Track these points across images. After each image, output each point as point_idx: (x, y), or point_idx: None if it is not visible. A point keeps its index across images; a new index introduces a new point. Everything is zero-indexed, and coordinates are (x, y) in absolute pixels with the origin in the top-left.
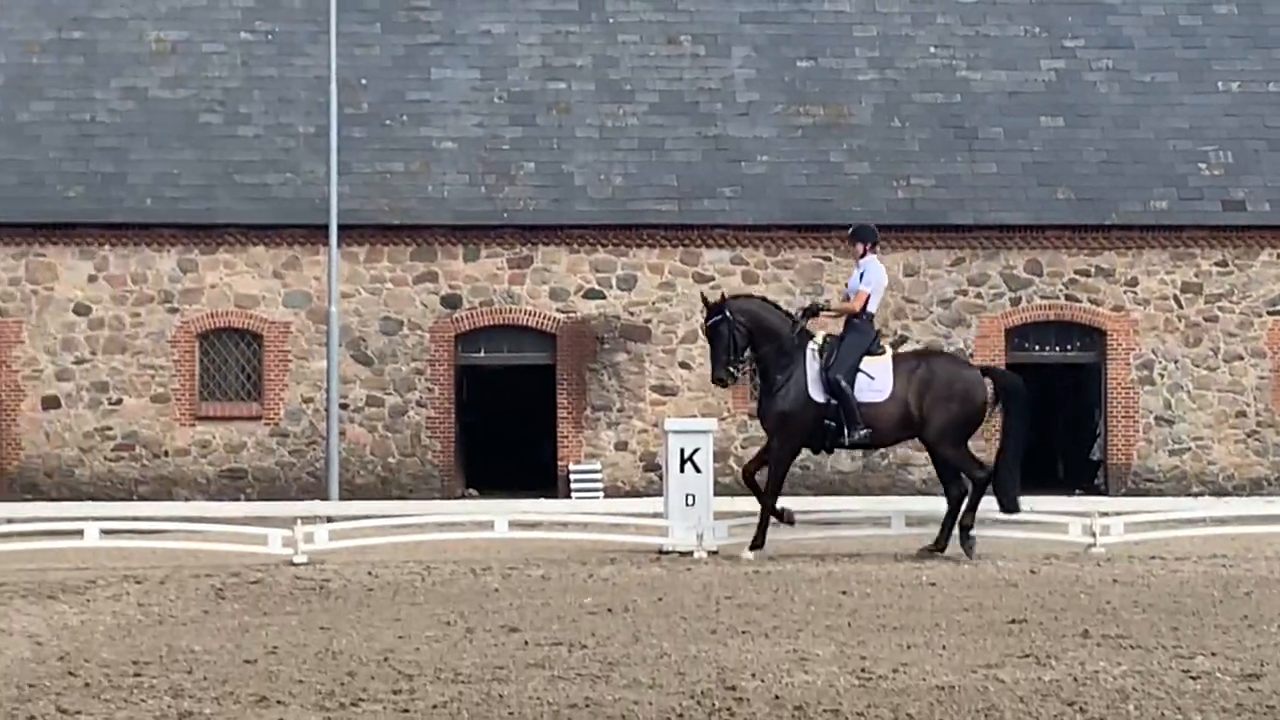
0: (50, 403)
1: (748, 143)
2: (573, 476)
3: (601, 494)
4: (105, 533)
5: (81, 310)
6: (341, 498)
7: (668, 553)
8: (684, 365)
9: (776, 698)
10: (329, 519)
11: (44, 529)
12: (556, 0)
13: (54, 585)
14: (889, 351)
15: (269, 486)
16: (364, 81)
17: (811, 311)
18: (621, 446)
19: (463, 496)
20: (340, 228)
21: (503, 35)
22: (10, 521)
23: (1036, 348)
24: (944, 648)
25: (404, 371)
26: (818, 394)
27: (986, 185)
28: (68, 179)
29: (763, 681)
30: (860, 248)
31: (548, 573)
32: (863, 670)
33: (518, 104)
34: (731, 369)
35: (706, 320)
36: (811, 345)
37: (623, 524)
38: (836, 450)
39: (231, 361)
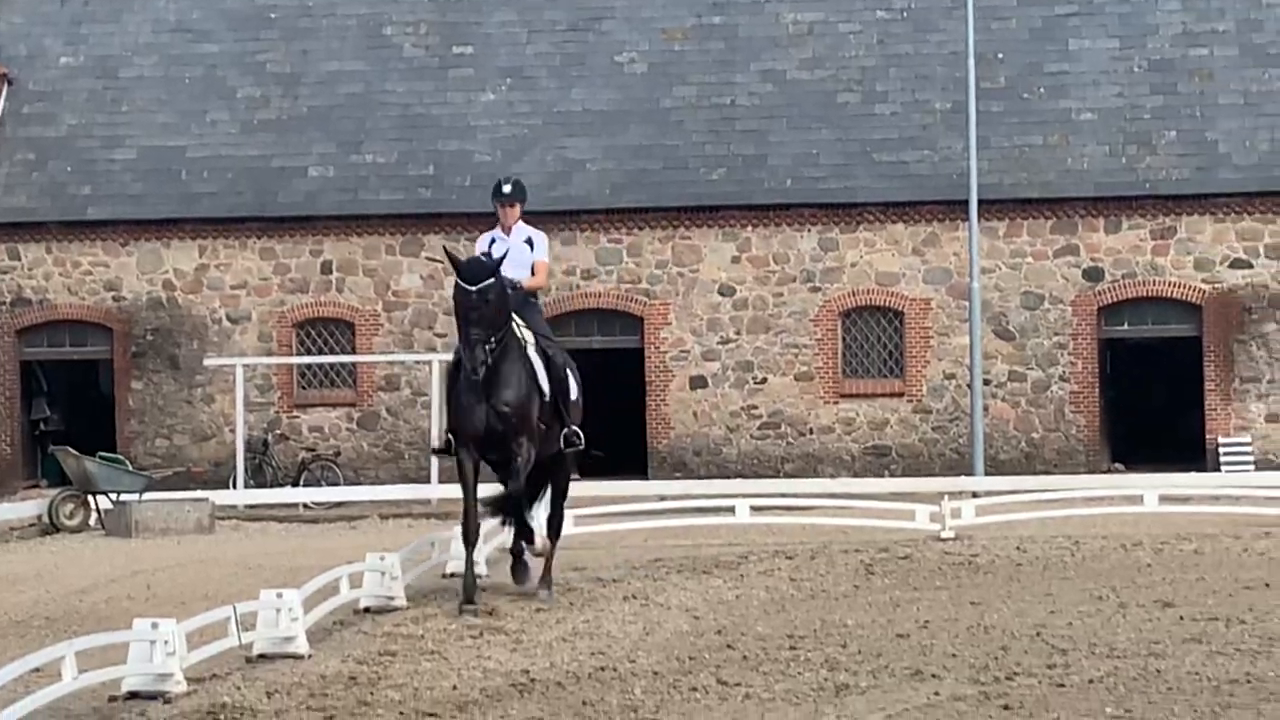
0: (697, 382)
1: None
2: (1222, 450)
3: (1253, 467)
4: (755, 509)
5: (726, 291)
6: (985, 473)
7: None
8: None
9: None
10: (974, 494)
11: (697, 506)
12: None
13: (708, 561)
14: None
15: (912, 463)
16: (1000, 55)
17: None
18: (1273, 419)
19: (1108, 471)
20: (980, 203)
21: (1141, 3)
22: (663, 499)
23: None
24: None
25: (1046, 346)
26: (545, 386)
27: None
28: (710, 162)
29: None
30: (517, 210)
31: (1200, 547)
32: None
33: (1158, 72)
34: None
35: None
36: (516, 326)
37: (1277, 497)
38: None
39: (873, 339)
